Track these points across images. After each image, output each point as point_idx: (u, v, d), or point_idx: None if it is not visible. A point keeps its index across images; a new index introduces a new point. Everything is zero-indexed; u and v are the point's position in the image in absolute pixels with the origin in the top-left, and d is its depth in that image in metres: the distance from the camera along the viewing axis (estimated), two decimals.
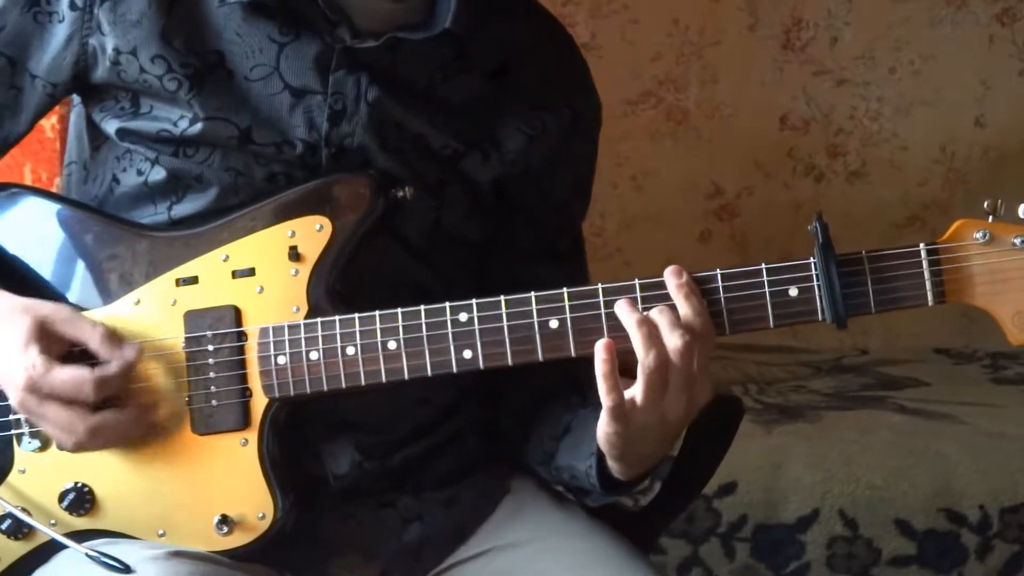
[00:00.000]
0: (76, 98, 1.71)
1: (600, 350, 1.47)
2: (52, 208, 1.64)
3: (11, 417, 1.59)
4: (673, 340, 1.47)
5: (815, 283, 1.50)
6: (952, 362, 3.75)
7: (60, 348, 1.54)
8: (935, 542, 2.83)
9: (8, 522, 1.59)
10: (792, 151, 3.96)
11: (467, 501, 1.69)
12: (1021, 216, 1.49)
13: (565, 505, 1.73)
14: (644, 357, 1.47)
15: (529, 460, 1.71)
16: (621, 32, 3.92)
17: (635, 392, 1.48)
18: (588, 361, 1.50)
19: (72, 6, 1.61)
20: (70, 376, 1.51)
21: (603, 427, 1.50)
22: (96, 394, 1.52)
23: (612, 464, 1.56)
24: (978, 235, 1.49)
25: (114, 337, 1.55)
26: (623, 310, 1.49)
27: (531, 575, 1.65)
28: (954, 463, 2.88)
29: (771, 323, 1.51)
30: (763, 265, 1.51)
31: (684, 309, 1.49)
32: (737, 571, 2.83)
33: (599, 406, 1.50)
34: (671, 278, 1.50)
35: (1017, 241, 1.49)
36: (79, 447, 1.54)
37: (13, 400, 1.54)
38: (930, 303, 1.50)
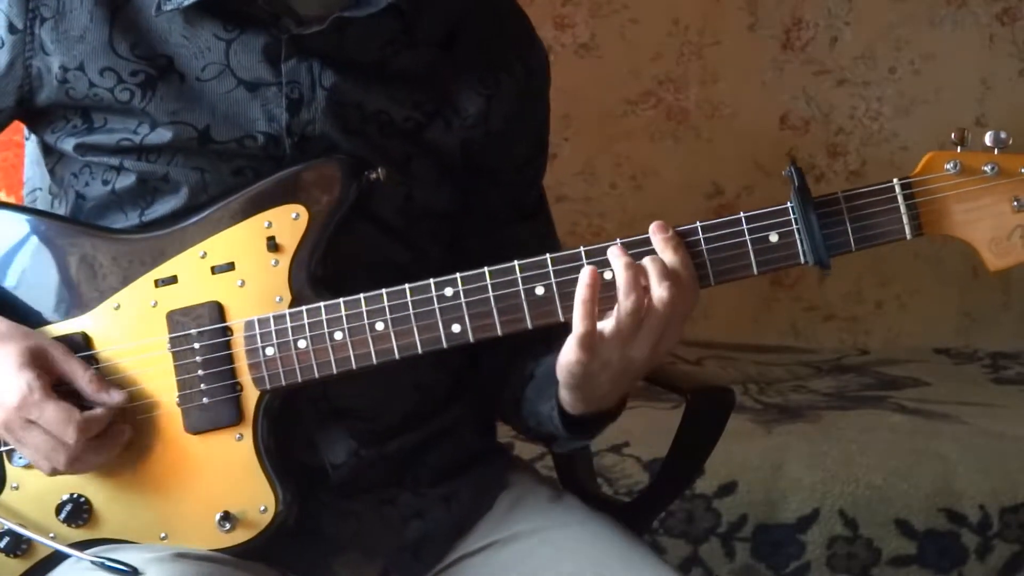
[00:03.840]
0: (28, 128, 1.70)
1: (584, 275, 1.49)
2: (22, 220, 1.63)
3: None
4: (660, 290, 1.48)
5: (794, 227, 1.51)
6: (952, 362, 3.75)
7: (49, 380, 1.53)
8: (935, 542, 2.83)
9: (6, 540, 1.57)
10: (792, 151, 3.96)
11: (466, 497, 1.70)
12: (988, 144, 1.51)
13: (563, 497, 1.74)
14: (624, 299, 1.48)
15: (504, 412, 1.73)
16: (621, 32, 3.92)
17: (606, 326, 1.49)
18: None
19: (11, 29, 1.60)
20: (59, 413, 1.51)
21: (568, 354, 1.51)
22: (77, 437, 1.51)
23: (565, 394, 1.56)
24: (949, 166, 1.51)
25: (103, 381, 1.55)
26: (614, 253, 1.51)
27: (534, 566, 1.65)
28: (954, 463, 2.88)
29: (755, 270, 1.52)
30: (742, 214, 1.52)
31: (671, 260, 1.50)
32: (737, 571, 2.83)
33: (561, 347, 1.53)
34: (657, 232, 1.51)
35: (988, 168, 1.50)
36: (55, 473, 1.54)
37: None
38: (908, 236, 1.51)
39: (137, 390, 1.57)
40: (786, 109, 3.96)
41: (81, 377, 1.55)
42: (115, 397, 1.55)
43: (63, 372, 1.55)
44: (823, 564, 2.83)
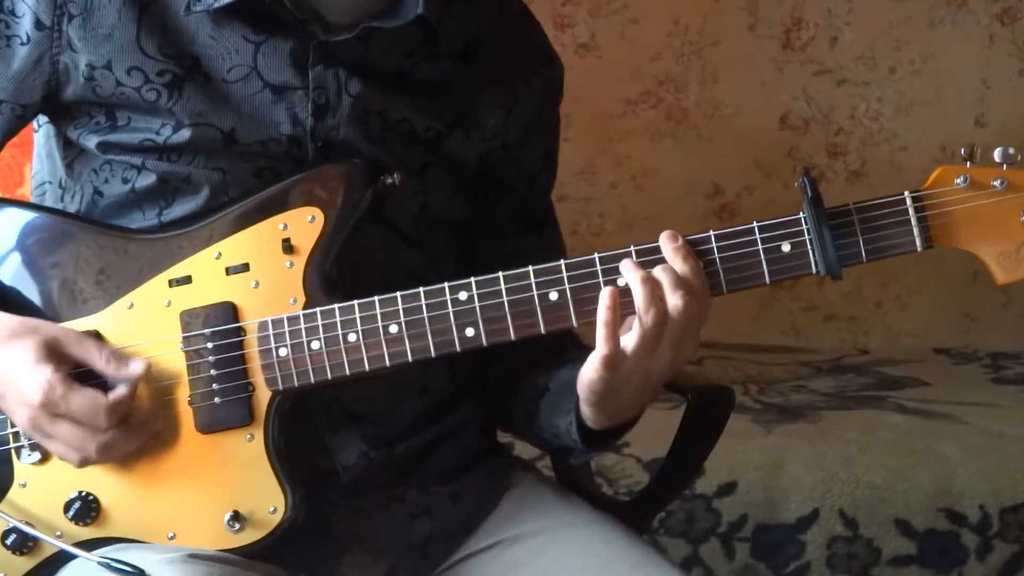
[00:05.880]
0: (41, 119, 1.70)
1: (605, 297, 1.49)
2: (36, 218, 1.63)
3: (8, 431, 1.58)
4: (674, 299, 1.49)
5: (807, 237, 1.52)
6: (952, 362, 3.75)
7: (67, 368, 1.53)
8: (935, 542, 2.84)
9: (13, 537, 1.57)
10: (792, 151, 3.96)
11: (471, 495, 1.70)
12: (997, 160, 1.51)
13: (568, 496, 1.75)
14: (644, 314, 1.49)
15: (515, 423, 1.74)
16: (621, 32, 3.92)
17: (628, 343, 1.50)
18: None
19: (38, 26, 1.59)
20: (86, 400, 1.51)
21: (590, 373, 1.52)
22: (109, 421, 1.51)
23: (587, 410, 1.57)
24: (959, 180, 1.51)
25: (120, 356, 1.55)
26: (628, 267, 1.51)
27: (540, 565, 1.66)
28: (954, 463, 2.88)
29: (767, 279, 1.53)
30: (755, 223, 1.53)
31: (683, 269, 1.51)
32: (737, 571, 2.84)
33: (577, 360, 1.53)
34: (667, 242, 1.53)
35: (997, 183, 1.51)
36: (85, 463, 1.54)
37: (21, 418, 1.52)
38: (919, 248, 1.52)
39: (149, 390, 1.56)
40: (786, 109, 3.96)
41: (98, 359, 1.54)
42: (134, 368, 1.54)
43: (79, 358, 1.54)
44: (823, 564, 2.83)
